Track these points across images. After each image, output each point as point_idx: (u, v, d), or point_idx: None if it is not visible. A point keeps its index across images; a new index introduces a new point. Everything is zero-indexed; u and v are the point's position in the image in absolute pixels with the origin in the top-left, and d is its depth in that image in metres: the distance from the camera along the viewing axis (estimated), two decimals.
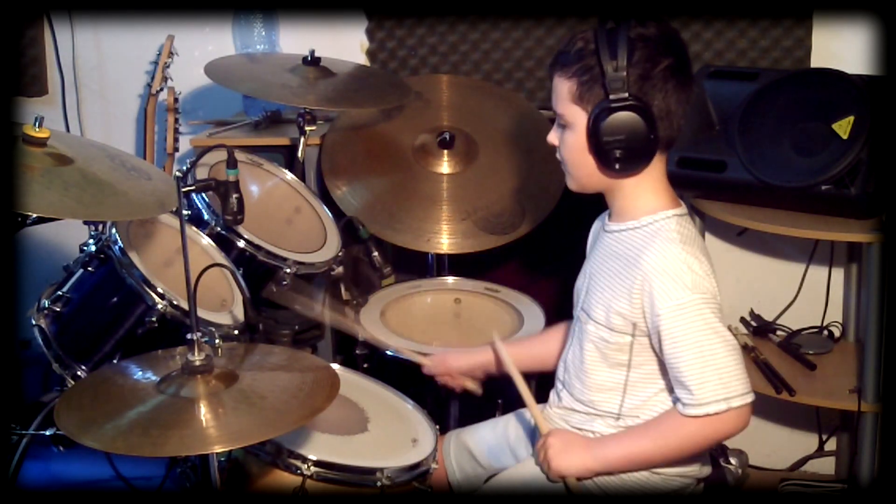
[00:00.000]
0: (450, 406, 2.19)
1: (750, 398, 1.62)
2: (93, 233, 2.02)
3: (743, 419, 1.63)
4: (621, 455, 1.71)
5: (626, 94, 1.63)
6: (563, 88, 1.70)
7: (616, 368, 1.74)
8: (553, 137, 1.76)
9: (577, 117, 1.69)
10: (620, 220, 1.75)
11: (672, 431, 1.67)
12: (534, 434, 1.91)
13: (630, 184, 1.72)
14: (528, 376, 2.03)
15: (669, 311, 1.63)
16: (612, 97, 1.64)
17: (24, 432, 1.97)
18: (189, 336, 1.56)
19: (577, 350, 1.81)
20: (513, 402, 1.97)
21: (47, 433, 1.93)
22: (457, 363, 2.06)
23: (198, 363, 1.55)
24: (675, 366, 1.64)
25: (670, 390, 1.70)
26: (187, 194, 2.15)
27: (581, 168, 1.73)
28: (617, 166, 1.67)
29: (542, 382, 1.99)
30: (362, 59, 2.92)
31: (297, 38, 2.87)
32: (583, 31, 1.69)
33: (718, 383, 1.60)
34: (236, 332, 1.99)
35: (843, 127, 2.27)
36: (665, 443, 1.67)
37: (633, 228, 1.72)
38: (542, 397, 1.94)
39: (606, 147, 1.66)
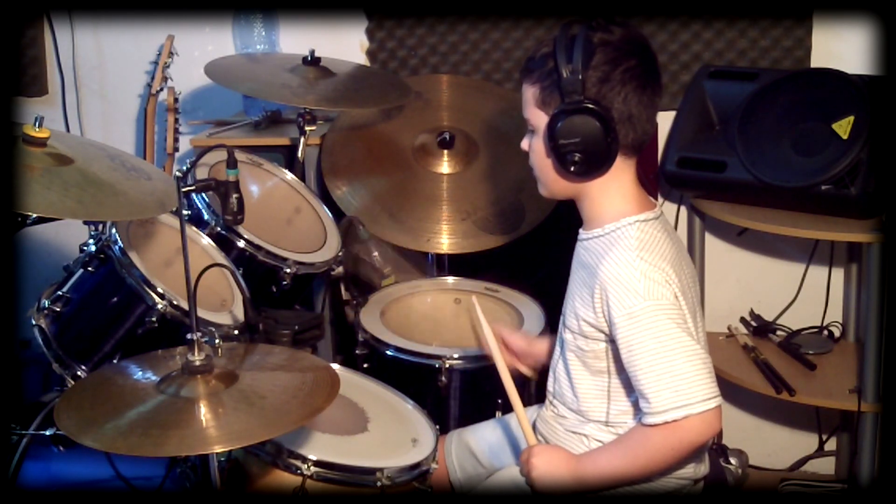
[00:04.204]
0: (450, 406, 2.19)
1: (713, 404, 1.59)
2: (93, 233, 2.01)
3: (708, 425, 1.60)
4: (598, 475, 1.69)
5: (582, 97, 1.63)
6: (529, 94, 1.72)
7: (598, 376, 1.74)
8: (524, 144, 1.78)
9: (541, 122, 1.70)
10: (589, 227, 1.75)
11: (639, 444, 1.65)
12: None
13: (596, 190, 1.72)
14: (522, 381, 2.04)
15: (623, 320, 1.62)
16: (567, 100, 1.64)
17: (24, 432, 1.97)
18: (189, 336, 1.56)
19: (562, 360, 1.82)
20: None
21: (47, 433, 1.93)
22: (516, 342, 2.01)
23: (198, 363, 1.55)
24: (633, 374, 1.63)
25: None
26: (187, 194, 2.15)
27: (546, 173, 1.74)
28: (573, 169, 1.67)
29: (542, 382, 1.99)
30: (362, 59, 2.92)
31: (297, 38, 2.87)
32: (550, 37, 1.69)
33: (675, 391, 1.58)
34: (236, 332, 1.99)
35: (843, 127, 2.27)
36: (635, 457, 1.66)
37: (598, 236, 1.72)
38: (542, 397, 1.94)
39: (563, 150, 1.66)
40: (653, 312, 1.61)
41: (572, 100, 1.64)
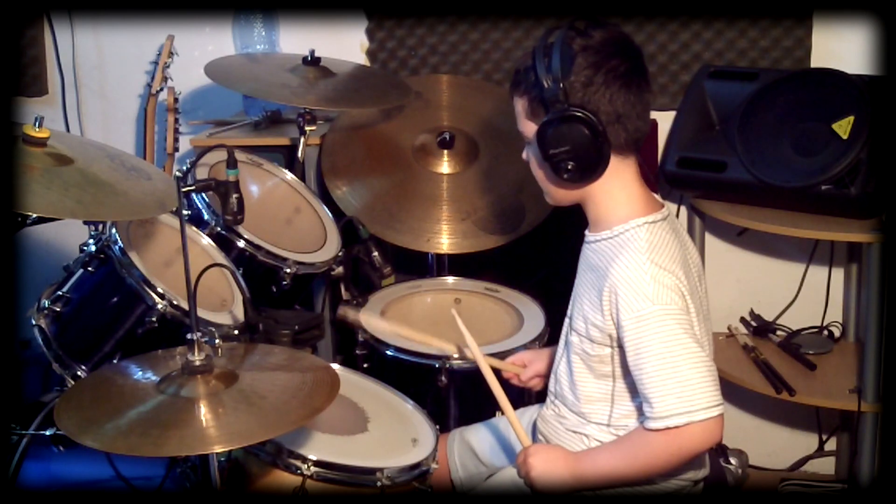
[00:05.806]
0: (450, 406, 2.19)
1: (716, 412, 1.59)
2: (93, 233, 2.01)
3: (710, 433, 1.60)
4: (597, 474, 1.69)
5: (566, 105, 1.63)
6: (519, 106, 1.74)
7: (602, 379, 1.74)
8: (525, 155, 1.78)
9: (533, 133, 1.70)
10: (596, 230, 1.75)
11: (640, 448, 1.65)
12: (534, 434, 1.92)
13: (599, 192, 1.72)
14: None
15: (631, 323, 1.62)
16: (551, 110, 1.64)
17: (24, 432, 1.97)
18: (189, 336, 1.56)
19: (565, 362, 1.81)
20: (514, 402, 1.97)
21: (47, 433, 1.93)
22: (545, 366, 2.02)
23: (198, 363, 1.55)
24: (638, 378, 1.63)
25: None
26: (187, 194, 2.15)
27: (545, 183, 1.75)
28: (566, 176, 1.67)
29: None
30: (362, 59, 2.92)
31: (297, 38, 2.87)
32: (532, 48, 1.70)
33: (679, 397, 1.58)
34: (236, 332, 1.98)
35: (843, 127, 2.27)
36: (635, 459, 1.66)
37: (606, 238, 1.72)
38: (542, 397, 1.94)
39: (556, 159, 1.66)
40: (661, 316, 1.61)
41: (556, 109, 1.64)
